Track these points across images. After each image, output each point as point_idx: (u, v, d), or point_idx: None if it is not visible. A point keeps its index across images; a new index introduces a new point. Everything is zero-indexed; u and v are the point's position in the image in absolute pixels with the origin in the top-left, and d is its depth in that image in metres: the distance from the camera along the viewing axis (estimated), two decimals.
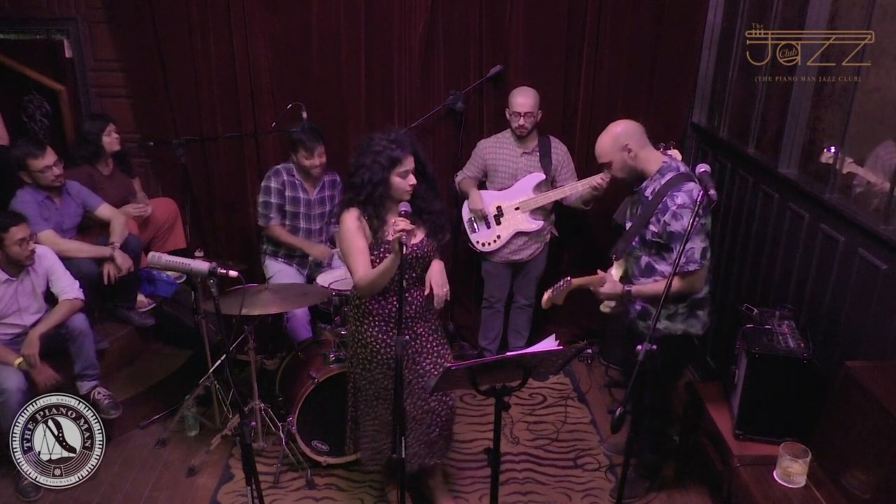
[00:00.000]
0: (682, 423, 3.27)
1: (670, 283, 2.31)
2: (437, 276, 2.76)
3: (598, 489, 3.22)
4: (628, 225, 2.86)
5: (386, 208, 2.56)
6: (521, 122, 3.65)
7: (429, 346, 2.78)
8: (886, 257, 2.54)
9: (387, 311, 2.65)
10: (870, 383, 2.34)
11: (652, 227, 2.65)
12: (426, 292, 2.74)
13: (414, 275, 2.67)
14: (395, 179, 2.53)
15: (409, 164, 2.53)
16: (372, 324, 2.68)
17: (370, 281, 2.52)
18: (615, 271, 2.82)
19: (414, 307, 2.70)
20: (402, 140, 2.54)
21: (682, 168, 2.69)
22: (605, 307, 2.86)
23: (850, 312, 2.75)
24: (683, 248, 2.34)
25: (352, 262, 2.57)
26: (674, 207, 2.55)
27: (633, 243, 2.77)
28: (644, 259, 2.75)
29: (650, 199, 2.66)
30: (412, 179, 2.55)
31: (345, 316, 3.32)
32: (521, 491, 3.21)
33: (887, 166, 2.63)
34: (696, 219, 2.37)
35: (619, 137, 2.64)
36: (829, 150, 2.93)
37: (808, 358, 2.64)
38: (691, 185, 2.59)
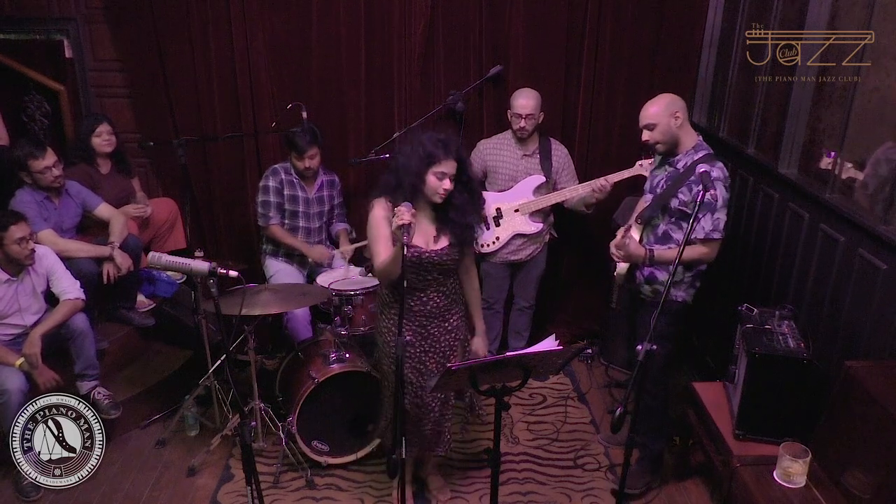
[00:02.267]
0: (682, 423, 3.27)
1: (683, 247, 2.44)
2: (480, 347, 2.92)
3: (598, 489, 3.22)
4: (648, 198, 2.95)
5: (417, 203, 2.56)
6: (523, 123, 3.65)
7: (437, 345, 2.80)
8: (886, 257, 2.54)
9: (404, 307, 2.68)
10: (870, 383, 2.34)
11: (681, 196, 2.76)
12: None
13: (429, 277, 2.70)
14: (430, 178, 2.55)
15: (448, 167, 2.54)
16: (389, 316, 2.74)
17: (381, 268, 2.59)
18: (634, 234, 2.92)
19: (428, 307, 2.74)
20: (448, 143, 2.56)
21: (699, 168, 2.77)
22: (622, 268, 2.98)
23: (850, 312, 2.76)
24: (698, 216, 2.50)
25: (374, 248, 2.62)
26: (711, 179, 2.64)
27: (655, 212, 2.88)
28: (661, 227, 2.86)
29: (681, 171, 2.79)
30: (447, 184, 2.56)
31: (345, 316, 3.33)
32: (521, 491, 3.21)
33: (889, 167, 2.63)
34: (727, 192, 2.72)
35: (672, 104, 2.76)
36: (829, 155, 2.94)
37: (808, 358, 2.64)
38: (721, 163, 2.76)
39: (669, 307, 2.81)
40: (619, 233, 2.91)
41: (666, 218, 2.84)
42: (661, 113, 2.76)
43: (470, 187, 2.68)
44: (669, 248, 2.82)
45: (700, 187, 2.59)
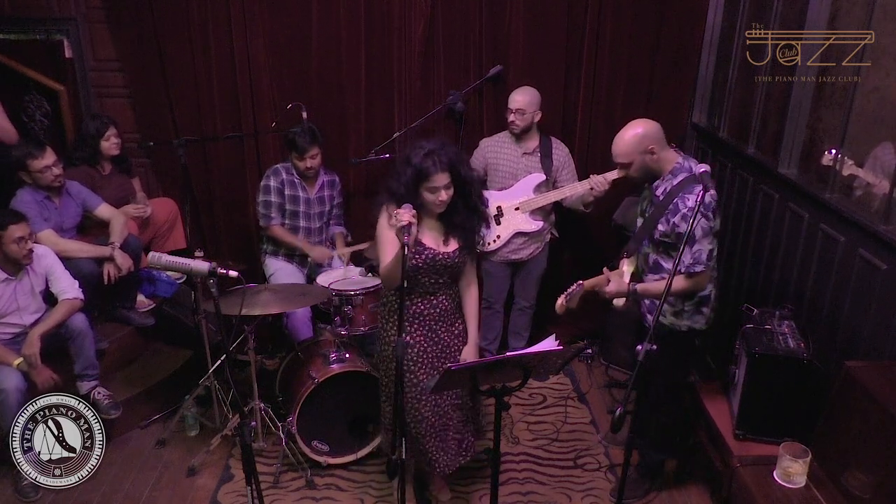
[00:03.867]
0: (682, 423, 3.26)
1: (671, 282, 2.32)
2: (469, 355, 2.85)
3: (598, 489, 3.22)
4: (639, 222, 2.86)
5: (422, 210, 2.59)
6: (512, 118, 3.67)
7: (449, 350, 2.81)
8: (886, 257, 2.54)
9: (411, 311, 2.72)
10: (870, 383, 2.34)
11: (661, 227, 2.65)
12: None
13: (440, 280, 2.72)
14: (424, 194, 2.56)
15: (440, 180, 2.53)
16: (394, 321, 2.71)
17: (385, 272, 2.61)
18: (626, 268, 2.83)
19: (438, 310, 2.75)
20: (438, 154, 2.53)
21: (695, 168, 2.64)
22: (618, 302, 2.86)
23: (850, 312, 2.75)
24: (684, 249, 2.34)
25: (381, 253, 2.64)
26: (684, 210, 2.54)
27: (644, 242, 2.78)
28: (652, 257, 2.77)
29: (661, 199, 2.66)
30: (442, 196, 2.56)
31: (345, 316, 3.33)
32: (521, 491, 3.21)
33: (886, 167, 2.63)
34: (707, 221, 2.50)
35: (644, 139, 2.59)
36: (829, 151, 2.93)
37: (808, 358, 2.64)
38: (700, 188, 2.54)
39: (673, 338, 2.75)
40: (560, 300, 2.72)
41: (654, 248, 2.74)
42: (631, 152, 2.60)
43: (467, 192, 2.64)
44: (662, 277, 2.67)
45: (676, 218, 2.53)
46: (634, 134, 2.60)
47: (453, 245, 2.70)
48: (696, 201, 2.37)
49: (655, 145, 2.60)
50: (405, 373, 2.71)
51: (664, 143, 2.65)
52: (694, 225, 2.35)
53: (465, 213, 2.67)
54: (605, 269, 2.78)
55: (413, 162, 2.54)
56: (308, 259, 3.88)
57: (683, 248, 2.35)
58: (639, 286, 2.71)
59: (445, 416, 2.81)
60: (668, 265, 2.68)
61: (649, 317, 2.86)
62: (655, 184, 2.70)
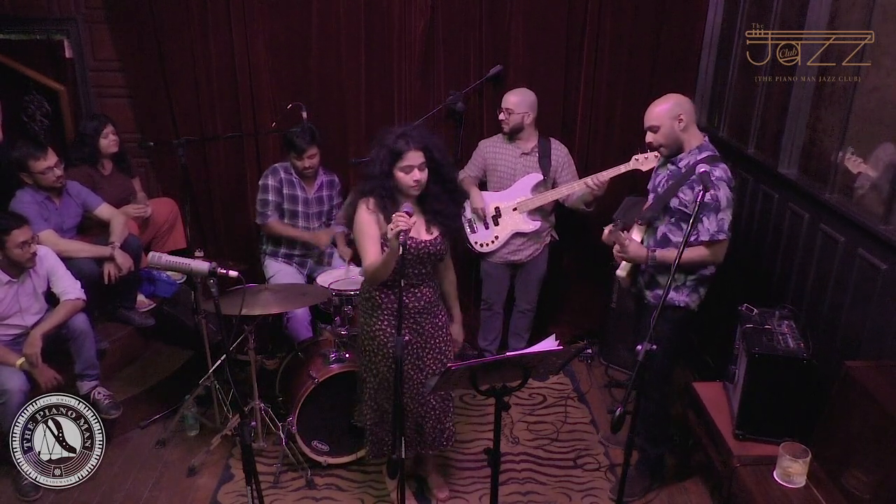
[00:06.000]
0: (682, 422, 3.27)
1: (682, 251, 2.42)
2: (458, 333, 2.96)
3: (598, 489, 3.22)
4: (650, 197, 2.92)
5: (396, 202, 2.57)
6: (502, 116, 3.69)
7: (433, 342, 2.82)
8: (886, 257, 2.54)
9: (396, 305, 2.67)
10: (870, 383, 2.34)
11: (682, 196, 2.72)
12: (454, 349, 2.88)
13: (423, 271, 2.71)
14: (398, 174, 2.55)
15: (413, 159, 2.53)
16: (381, 317, 2.72)
17: (372, 270, 2.57)
18: (636, 236, 2.89)
19: (422, 303, 2.75)
20: (410, 134, 2.54)
21: (699, 168, 2.71)
22: (622, 270, 2.93)
23: (850, 312, 2.76)
24: (692, 221, 2.43)
25: (362, 248, 2.62)
26: (712, 179, 2.62)
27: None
28: (661, 230, 2.82)
29: (683, 171, 2.75)
30: (416, 175, 2.55)
31: (345, 316, 3.33)
32: (521, 491, 3.21)
33: (886, 167, 2.63)
34: (731, 192, 2.67)
35: (675, 107, 2.74)
36: (841, 152, 2.93)
37: (808, 358, 2.64)
38: (725, 165, 2.72)
39: (671, 312, 2.80)
40: (607, 229, 2.83)
41: (666, 219, 2.80)
42: (664, 115, 2.74)
43: (441, 174, 2.64)
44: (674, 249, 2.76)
45: (701, 187, 2.58)
46: (667, 101, 2.77)
47: (435, 232, 2.69)
48: (727, 175, 2.59)
49: (684, 114, 2.73)
50: (380, 364, 2.75)
51: (693, 119, 2.78)
52: (706, 198, 2.48)
53: (445, 199, 2.67)
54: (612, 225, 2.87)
55: (386, 142, 2.54)
56: (307, 260, 3.89)
57: (698, 220, 2.49)
58: (657, 253, 2.77)
59: (426, 405, 2.85)
60: (676, 238, 2.76)
61: (647, 292, 2.90)
62: (680, 156, 2.79)
